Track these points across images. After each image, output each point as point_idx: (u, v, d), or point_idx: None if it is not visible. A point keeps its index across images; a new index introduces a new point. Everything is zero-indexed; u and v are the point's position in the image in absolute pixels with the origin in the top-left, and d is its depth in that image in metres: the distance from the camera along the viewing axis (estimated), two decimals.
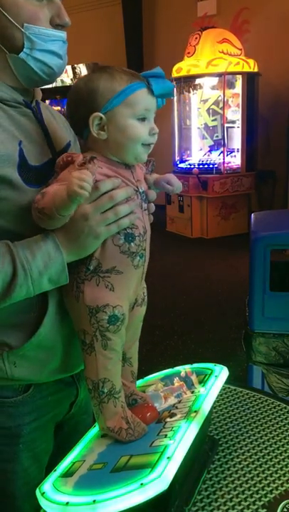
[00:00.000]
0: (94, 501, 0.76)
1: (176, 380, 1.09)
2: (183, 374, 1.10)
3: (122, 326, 0.92)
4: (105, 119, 0.88)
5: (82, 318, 0.92)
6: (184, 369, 1.15)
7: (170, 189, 1.01)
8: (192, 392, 1.02)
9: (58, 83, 9.13)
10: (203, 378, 1.06)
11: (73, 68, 8.79)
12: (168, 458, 0.80)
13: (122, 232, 0.91)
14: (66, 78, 9.08)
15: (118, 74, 0.89)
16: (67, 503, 0.78)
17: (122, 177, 0.91)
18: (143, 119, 0.91)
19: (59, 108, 7.86)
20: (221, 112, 6.51)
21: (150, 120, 0.92)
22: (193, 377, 1.08)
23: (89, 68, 8.55)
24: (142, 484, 0.75)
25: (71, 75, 8.97)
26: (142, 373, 1.12)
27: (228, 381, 1.09)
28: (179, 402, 1.00)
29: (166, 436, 0.88)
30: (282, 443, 1.07)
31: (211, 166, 6.55)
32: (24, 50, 0.90)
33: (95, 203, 0.88)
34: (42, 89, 1.07)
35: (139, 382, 1.12)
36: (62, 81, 9.10)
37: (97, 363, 0.91)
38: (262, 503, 0.90)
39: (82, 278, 0.92)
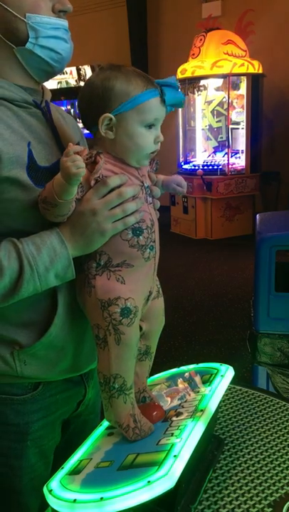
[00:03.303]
0: (101, 499, 0.76)
1: (179, 381, 1.10)
2: (187, 375, 1.11)
3: (136, 320, 0.92)
4: (115, 121, 0.89)
5: (95, 313, 0.92)
6: (189, 369, 1.15)
7: (180, 190, 1.02)
8: (196, 393, 1.02)
9: (62, 84, 9.16)
10: (209, 378, 1.07)
11: (78, 69, 8.81)
12: (175, 456, 0.81)
13: (130, 227, 0.92)
14: (71, 79, 9.11)
15: (134, 78, 0.89)
16: (74, 501, 0.78)
17: (128, 173, 0.92)
18: (150, 126, 0.92)
19: (63, 108, 7.87)
20: (225, 113, 6.51)
21: (157, 128, 0.93)
22: (197, 379, 1.08)
23: (94, 70, 8.58)
24: (149, 482, 0.76)
25: (76, 77, 8.99)
26: None
27: (233, 381, 1.09)
28: (185, 401, 1.01)
29: (172, 434, 0.88)
30: (287, 443, 1.07)
31: (215, 167, 6.55)
32: (30, 40, 0.91)
33: (104, 199, 0.89)
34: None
35: None
36: (67, 82, 9.13)
37: (109, 358, 0.91)
38: (267, 502, 0.91)
39: (94, 273, 0.92)
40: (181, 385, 1.08)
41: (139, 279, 0.95)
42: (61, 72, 1.01)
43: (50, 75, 0.99)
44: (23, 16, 0.90)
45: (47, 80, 1.02)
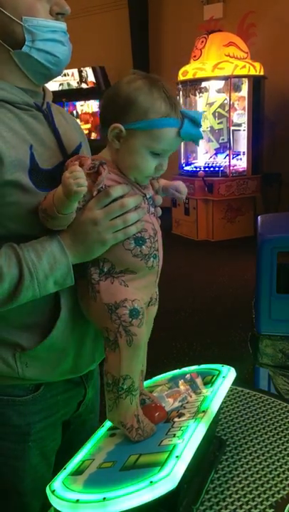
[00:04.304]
0: (104, 499, 0.77)
1: (181, 382, 1.10)
2: (188, 377, 1.11)
3: (144, 320, 0.92)
4: (124, 134, 0.88)
5: (102, 317, 0.92)
6: (191, 370, 1.16)
7: (179, 197, 1.01)
8: (197, 395, 1.02)
9: (64, 86, 9.17)
10: (210, 379, 1.07)
11: (80, 71, 8.82)
12: (177, 457, 0.81)
13: (132, 236, 0.92)
14: (73, 81, 9.12)
15: (160, 100, 0.86)
16: (77, 501, 0.79)
17: (131, 184, 0.92)
18: (157, 155, 0.90)
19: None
20: (226, 115, 6.52)
21: (163, 157, 0.91)
22: (198, 380, 1.08)
23: (95, 71, 8.59)
24: (151, 482, 0.76)
25: (77, 78, 9.00)
26: (147, 375, 1.12)
27: (234, 383, 1.10)
28: (187, 402, 1.01)
29: (174, 435, 0.88)
30: None
31: (216, 168, 6.56)
32: (26, 43, 0.90)
33: (105, 209, 0.88)
34: None
35: (147, 383, 1.13)
36: (68, 84, 9.14)
37: (120, 360, 0.91)
38: (269, 503, 0.91)
39: (97, 279, 0.92)
40: (182, 386, 1.08)
41: (143, 285, 0.95)
42: (59, 74, 1.01)
43: (49, 77, 0.99)
44: (20, 19, 0.89)
45: (46, 82, 1.02)
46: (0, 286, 0.85)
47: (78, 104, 9.49)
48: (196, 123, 0.89)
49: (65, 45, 0.95)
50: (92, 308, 0.94)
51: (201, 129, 0.92)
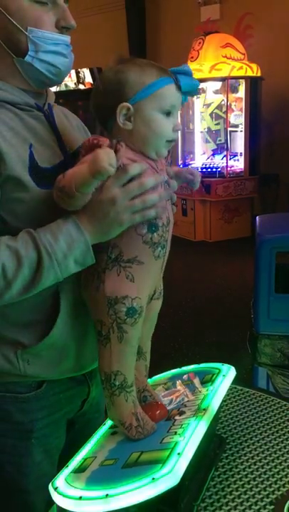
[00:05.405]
0: (106, 495, 0.77)
1: (178, 383, 1.10)
2: (186, 377, 1.11)
3: (140, 319, 0.92)
4: (132, 110, 0.89)
5: (100, 309, 0.92)
6: (191, 369, 1.17)
7: (192, 179, 1.01)
8: (195, 396, 1.03)
9: (61, 87, 9.16)
10: (210, 377, 1.08)
11: (77, 72, 8.82)
12: (178, 454, 0.82)
13: (146, 221, 0.90)
14: (70, 82, 9.11)
15: (148, 67, 0.90)
16: (80, 498, 0.79)
17: (149, 165, 0.91)
18: (168, 114, 0.91)
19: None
20: (224, 116, 6.54)
21: (175, 116, 0.93)
22: (196, 381, 1.09)
23: (92, 73, 8.59)
24: (153, 479, 0.77)
25: (75, 79, 9.01)
26: None
27: (234, 382, 1.10)
28: (187, 401, 1.02)
29: (176, 433, 0.89)
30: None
31: (214, 169, 6.57)
32: (29, 53, 0.92)
33: (124, 188, 0.87)
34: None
35: None
36: (66, 85, 9.13)
37: (111, 355, 0.92)
38: (269, 499, 0.92)
39: (103, 267, 0.91)
40: (179, 386, 1.09)
41: (148, 277, 0.94)
42: (60, 83, 1.03)
43: (48, 85, 1.01)
44: (25, 29, 0.90)
45: (44, 88, 1.03)
46: (20, 271, 0.84)
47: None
48: (187, 74, 0.92)
49: (67, 57, 0.97)
50: (92, 298, 0.93)
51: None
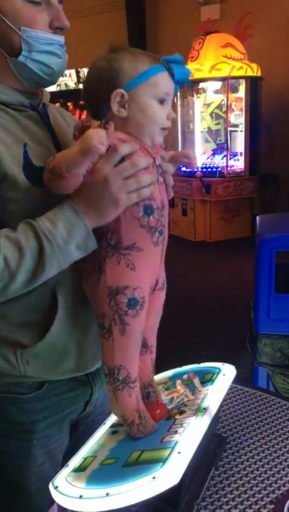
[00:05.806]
0: (107, 494, 0.77)
1: (178, 383, 1.10)
2: (186, 377, 1.11)
3: (142, 311, 0.91)
4: (127, 97, 0.88)
5: (101, 301, 0.91)
6: (192, 369, 1.16)
7: (188, 162, 1.00)
8: (195, 396, 1.03)
9: (61, 87, 9.17)
10: (211, 377, 1.08)
11: (77, 72, 8.83)
12: (179, 453, 0.81)
13: (141, 203, 0.89)
14: (70, 82, 9.13)
15: (141, 55, 0.90)
16: (80, 497, 0.79)
17: (140, 146, 0.90)
18: (162, 102, 0.91)
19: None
20: (224, 115, 6.54)
21: (168, 104, 0.93)
22: (196, 381, 1.08)
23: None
24: (154, 478, 0.77)
25: (75, 79, 9.01)
26: None
27: (234, 381, 1.10)
28: (188, 400, 1.02)
29: (176, 432, 0.89)
30: None
31: (214, 169, 6.57)
32: (22, 53, 0.92)
33: (117, 167, 0.86)
34: None
35: None
36: (66, 85, 9.14)
37: (113, 349, 0.90)
38: (269, 499, 0.92)
39: (104, 255, 0.90)
40: (179, 386, 1.08)
41: (148, 265, 0.93)
42: (53, 84, 1.02)
43: (42, 85, 1.01)
44: (19, 29, 0.90)
45: (38, 88, 1.03)
46: (23, 262, 0.84)
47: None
48: (179, 63, 0.92)
49: (61, 57, 0.97)
50: (94, 290, 0.92)
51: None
